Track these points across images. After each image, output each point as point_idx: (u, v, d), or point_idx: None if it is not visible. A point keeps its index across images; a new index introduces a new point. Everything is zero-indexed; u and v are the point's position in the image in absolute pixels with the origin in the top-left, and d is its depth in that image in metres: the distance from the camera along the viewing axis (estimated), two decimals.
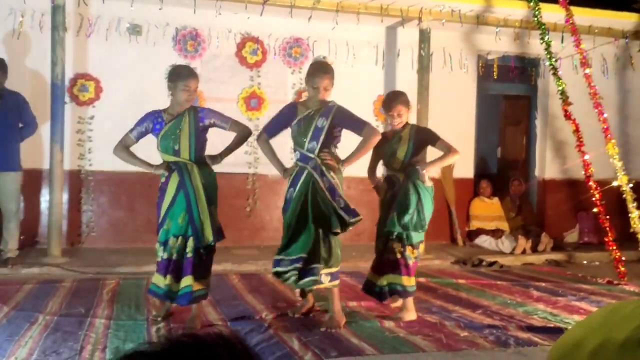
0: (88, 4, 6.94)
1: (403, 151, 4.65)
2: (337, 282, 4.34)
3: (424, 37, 7.47)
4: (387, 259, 4.62)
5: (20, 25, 6.80)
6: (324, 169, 4.31)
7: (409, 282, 4.57)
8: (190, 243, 4.18)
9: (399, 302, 4.78)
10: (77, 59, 7.02)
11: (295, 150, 4.49)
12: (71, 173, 7.01)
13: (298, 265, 4.21)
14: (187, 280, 4.17)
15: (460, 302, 5.15)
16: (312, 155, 4.34)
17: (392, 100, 4.71)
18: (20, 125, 6.12)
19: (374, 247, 4.81)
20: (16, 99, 6.06)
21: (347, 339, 3.99)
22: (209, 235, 4.18)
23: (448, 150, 4.60)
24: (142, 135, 4.34)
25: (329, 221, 4.27)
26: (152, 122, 4.29)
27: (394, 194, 4.64)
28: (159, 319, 4.35)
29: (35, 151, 6.77)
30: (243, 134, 4.43)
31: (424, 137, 4.71)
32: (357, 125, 4.39)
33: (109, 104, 7.08)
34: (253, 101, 7.61)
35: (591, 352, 0.85)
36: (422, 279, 5.77)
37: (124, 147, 4.36)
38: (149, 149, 4.53)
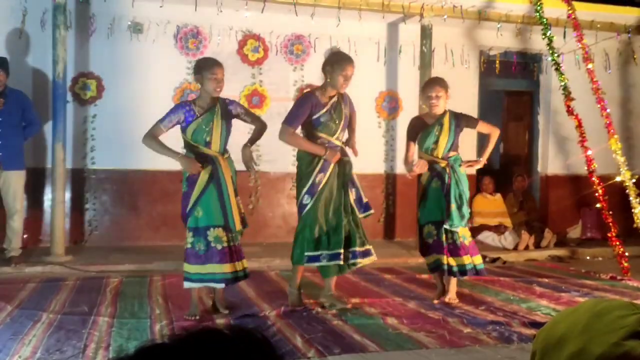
0: (90, 2, 6.94)
1: (445, 140, 4.85)
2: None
3: (426, 33, 7.45)
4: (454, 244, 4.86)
5: (22, 24, 6.81)
6: (349, 158, 4.62)
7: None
8: (223, 232, 4.36)
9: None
10: (78, 58, 7.02)
11: (319, 138, 4.56)
12: (74, 172, 7.01)
13: (339, 260, 4.53)
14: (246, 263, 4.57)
15: (464, 298, 5.14)
16: (340, 144, 4.59)
17: (431, 82, 4.96)
18: (24, 124, 6.12)
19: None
20: (19, 98, 6.06)
21: (350, 336, 3.99)
22: (238, 224, 4.39)
23: (491, 131, 4.88)
24: (172, 125, 4.38)
25: (354, 207, 4.63)
26: (184, 114, 4.34)
27: (442, 184, 4.81)
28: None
29: (37, 150, 6.79)
30: (262, 128, 4.62)
31: (464, 123, 4.92)
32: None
33: (111, 102, 7.07)
34: (255, 99, 7.61)
35: (569, 357, 0.87)
36: (425, 275, 5.79)
37: (154, 137, 4.35)
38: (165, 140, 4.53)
